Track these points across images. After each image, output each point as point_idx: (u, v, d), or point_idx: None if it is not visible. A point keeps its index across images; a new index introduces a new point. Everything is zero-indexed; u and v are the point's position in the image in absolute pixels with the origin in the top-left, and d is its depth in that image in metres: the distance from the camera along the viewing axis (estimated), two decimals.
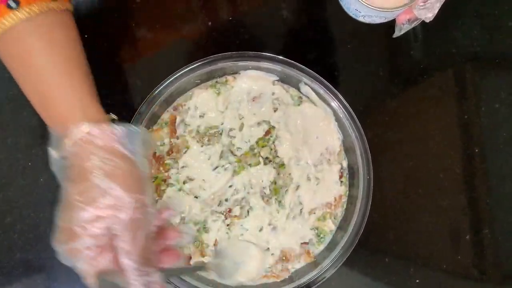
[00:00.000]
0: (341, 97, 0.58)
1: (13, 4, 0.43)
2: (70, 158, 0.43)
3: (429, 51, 0.63)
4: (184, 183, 0.59)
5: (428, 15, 0.51)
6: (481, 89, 0.63)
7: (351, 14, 0.58)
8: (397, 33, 0.55)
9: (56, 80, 0.45)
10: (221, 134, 0.60)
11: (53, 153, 0.44)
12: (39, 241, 0.61)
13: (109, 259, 0.40)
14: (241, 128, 0.60)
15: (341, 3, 0.59)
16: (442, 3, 0.51)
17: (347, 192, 0.60)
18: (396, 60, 0.64)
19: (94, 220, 0.39)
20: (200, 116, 0.60)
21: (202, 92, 0.60)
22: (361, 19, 0.58)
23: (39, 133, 0.61)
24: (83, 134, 0.42)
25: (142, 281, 0.40)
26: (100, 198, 0.40)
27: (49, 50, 0.45)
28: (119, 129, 0.43)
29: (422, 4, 0.50)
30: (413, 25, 0.54)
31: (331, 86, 0.57)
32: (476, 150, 0.63)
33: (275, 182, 0.59)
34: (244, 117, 0.60)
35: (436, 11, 0.51)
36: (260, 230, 0.58)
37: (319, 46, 0.63)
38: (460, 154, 0.63)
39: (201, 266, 0.55)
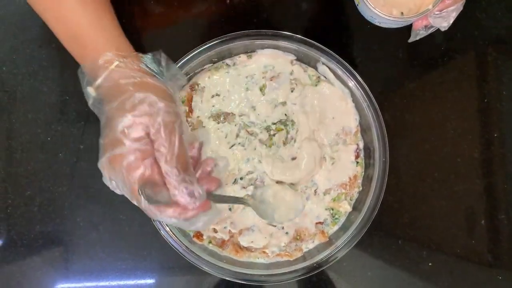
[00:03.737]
0: (359, 77, 0.57)
1: None
2: (105, 86, 0.46)
3: (450, 33, 0.61)
4: None
5: (443, 24, 0.51)
6: (502, 72, 0.62)
7: (367, 19, 0.57)
8: (413, 39, 0.55)
9: (87, 19, 0.48)
10: (235, 113, 0.60)
11: (90, 90, 0.47)
12: (58, 214, 0.62)
13: (150, 164, 0.44)
14: (256, 109, 0.60)
15: (358, 8, 0.58)
16: (458, 12, 0.50)
17: (363, 173, 0.60)
18: (417, 42, 0.62)
19: (133, 125, 0.44)
20: (216, 95, 0.60)
21: (218, 71, 0.60)
22: (377, 24, 0.57)
23: (59, 109, 0.62)
24: (116, 63, 0.46)
25: (184, 186, 0.44)
26: (137, 106, 0.44)
27: None
28: (146, 56, 0.48)
29: (438, 12, 0.50)
30: (429, 32, 0.53)
31: (349, 66, 0.57)
32: (495, 135, 0.62)
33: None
34: (261, 97, 0.60)
35: (451, 20, 0.51)
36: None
37: (338, 26, 0.63)
38: (478, 139, 0.62)
39: (242, 199, 0.56)
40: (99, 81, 0.46)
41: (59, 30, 0.50)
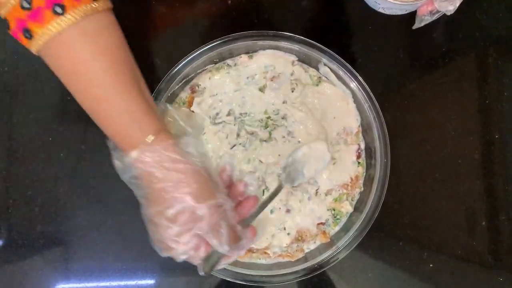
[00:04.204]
0: (360, 78, 0.57)
1: (59, 10, 0.41)
2: (137, 176, 0.46)
3: (451, 34, 0.62)
4: None
5: (449, 8, 0.50)
6: (503, 73, 0.62)
7: (371, 5, 0.58)
8: (417, 25, 0.54)
9: (106, 91, 0.44)
10: (235, 114, 0.60)
11: (118, 164, 0.47)
12: (58, 214, 0.62)
13: (205, 249, 0.48)
14: (256, 108, 0.60)
15: None
16: None
17: (364, 174, 0.60)
18: (417, 42, 0.62)
19: (180, 233, 0.46)
20: (217, 95, 0.60)
21: (218, 72, 0.60)
22: (381, 10, 0.57)
23: (60, 109, 0.62)
24: (140, 158, 0.45)
25: (238, 252, 0.49)
26: (179, 216, 0.45)
27: (97, 56, 0.43)
28: (171, 142, 0.46)
29: None
30: (434, 18, 0.52)
31: (350, 67, 0.57)
32: (496, 136, 0.62)
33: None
34: (261, 97, 0.60)
35: (457, 4, 0.50)
36: (275, 211, 0.59)
37: (338, 27, 0.63)
38: (479, 140, 0.62)
39: (278, 188, 0.56)
40: (129, 171, 0.46)
41: (79, 98, 0.46)
